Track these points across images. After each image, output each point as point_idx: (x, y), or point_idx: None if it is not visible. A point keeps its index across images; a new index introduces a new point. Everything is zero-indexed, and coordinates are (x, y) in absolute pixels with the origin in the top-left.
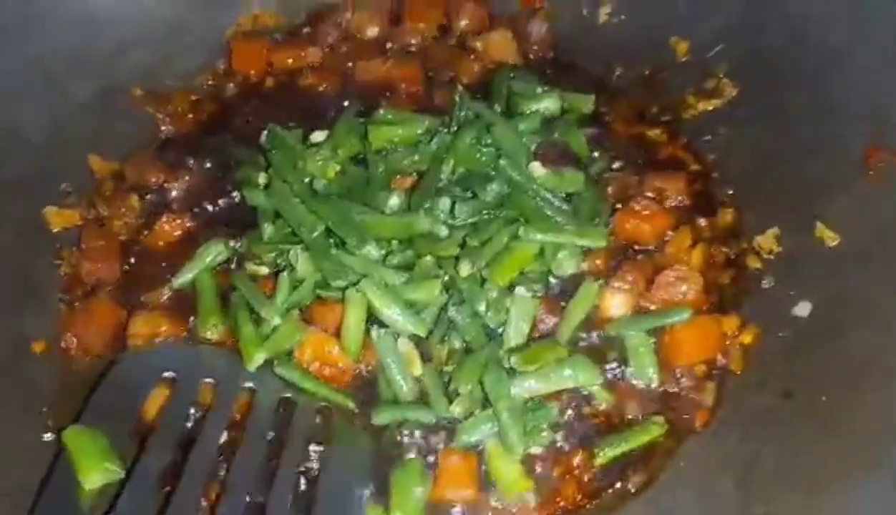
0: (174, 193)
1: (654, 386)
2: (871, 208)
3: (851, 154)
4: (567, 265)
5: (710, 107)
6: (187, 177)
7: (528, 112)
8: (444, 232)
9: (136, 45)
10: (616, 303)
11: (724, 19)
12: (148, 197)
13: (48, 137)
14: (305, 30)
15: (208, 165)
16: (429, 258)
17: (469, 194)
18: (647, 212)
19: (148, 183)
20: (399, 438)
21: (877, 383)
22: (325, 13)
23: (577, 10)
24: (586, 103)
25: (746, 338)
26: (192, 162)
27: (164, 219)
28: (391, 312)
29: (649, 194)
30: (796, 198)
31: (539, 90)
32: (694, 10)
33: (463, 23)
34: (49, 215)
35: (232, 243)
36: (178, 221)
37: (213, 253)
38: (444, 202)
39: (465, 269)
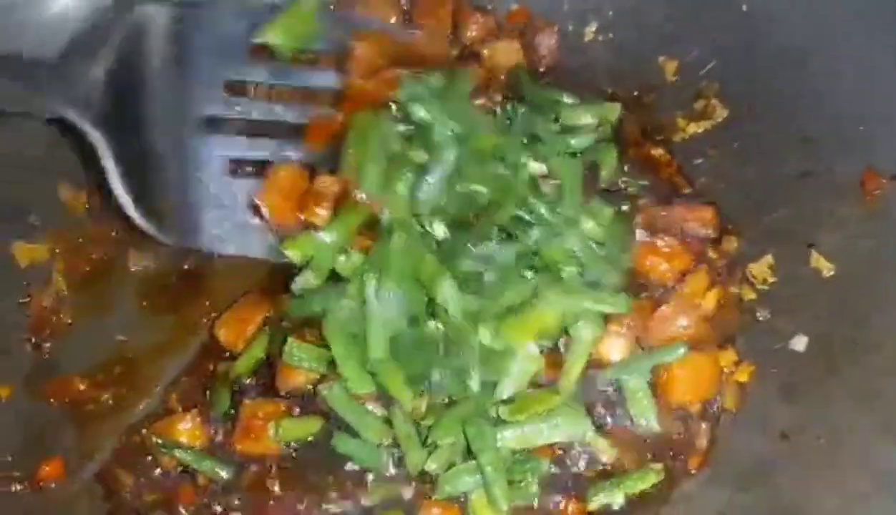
0: None
1: (653, 430)
2: (867, 236)
3: (844, 180)
4: (586, 333)
5: (700, 130)
6: None
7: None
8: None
9: None
10: (614, 348)
11: (713, 39)
12: None
13: (10, 171)
14: None
15: None
16: (434, 324)
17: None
18: (668, 250)
19: None
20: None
21: (876, 422)
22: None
23: (563, 29)
24: (612, 112)
25: (742, 376)
26: None
27: None
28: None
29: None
30: (790, 225)
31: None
32: (682, 29)
33: (471, 33)
34: (17, 250)
35: None
36: None
37: None
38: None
39: (486, 335)
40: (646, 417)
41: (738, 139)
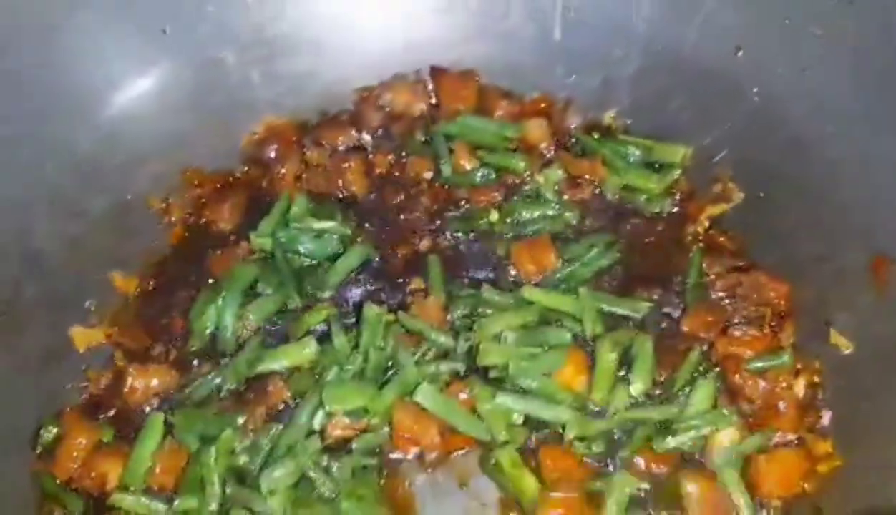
0: None
1: None
2: (881, 319)
3: (856, 264)
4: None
5: (719, 211)
6: None
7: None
8: None
9: (150, 158)
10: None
11: (726, 128)
12: None
13: (67, 256)
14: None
15: None
16: None
17: None
18: (747, 338)
19: None
20: None
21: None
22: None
23: (583, 114)
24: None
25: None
26: None
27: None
28: None
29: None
30: (808, 305)
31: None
32: (696, 118)
33: (498, 113)
34: (75, 335)
35: None
36: None
37: None
38: None
39: None
40: None
41: (753, 222)
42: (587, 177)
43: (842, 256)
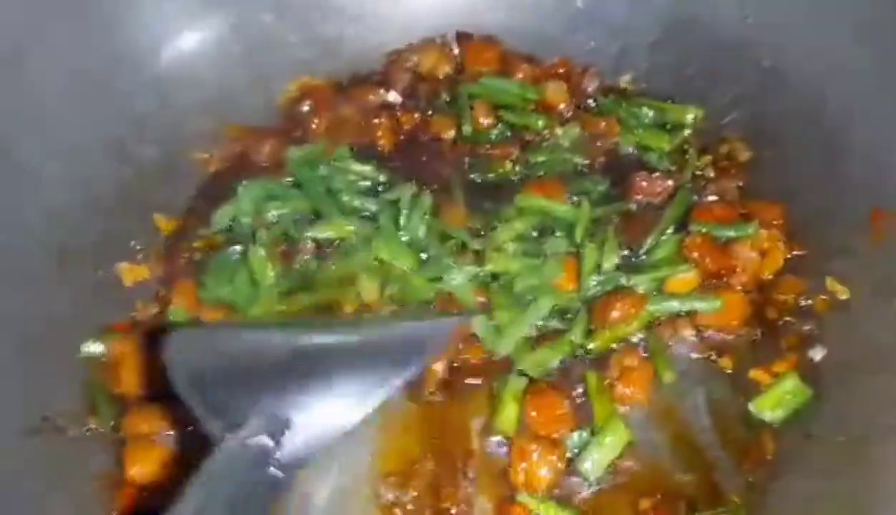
0: None
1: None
2: (876, 265)
3: (855, 216)
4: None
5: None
6: None
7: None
8: None
9: (194, 112)
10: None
11: (737, 91)
12: None
13: (119, 200)
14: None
15: None
16: None
17: None
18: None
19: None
20: None
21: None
22: (397, 58)
23: (600, 78)
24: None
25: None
26: None
27: None
28: None
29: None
30: (807, 253)
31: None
32: (709, 82)
33: (518, 76)
34: (122, 271)
35: None
36: None
37: None
38: None
39: None
40: None
41: (759, 178)
42: (603, 135)
43: (843, 210)
